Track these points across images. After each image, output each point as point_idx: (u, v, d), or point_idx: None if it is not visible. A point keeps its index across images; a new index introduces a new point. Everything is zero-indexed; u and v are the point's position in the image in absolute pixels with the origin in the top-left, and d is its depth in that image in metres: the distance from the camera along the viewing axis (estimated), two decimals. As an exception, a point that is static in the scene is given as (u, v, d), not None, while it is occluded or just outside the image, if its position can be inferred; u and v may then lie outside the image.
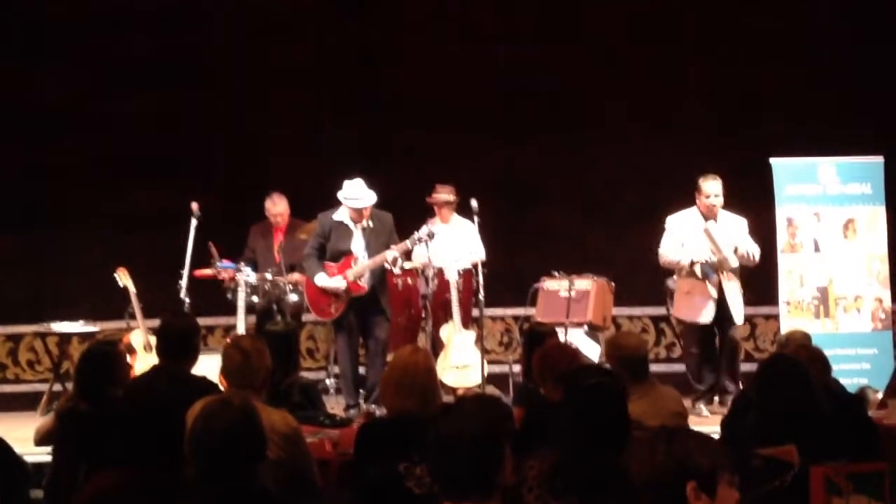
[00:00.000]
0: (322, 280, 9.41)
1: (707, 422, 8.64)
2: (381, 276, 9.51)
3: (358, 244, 9.46)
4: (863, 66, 11.38)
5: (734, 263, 9.30)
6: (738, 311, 9.38)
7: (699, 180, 9.41)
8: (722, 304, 9.34)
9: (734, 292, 9.35)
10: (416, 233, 9.50)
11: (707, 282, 9.36)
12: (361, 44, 11.77)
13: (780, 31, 11.52)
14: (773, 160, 10.06)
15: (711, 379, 9.46)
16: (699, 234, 9.35)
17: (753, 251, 9.33)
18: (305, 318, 10.60)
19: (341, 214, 9.50)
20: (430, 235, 9.52)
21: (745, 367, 10.39)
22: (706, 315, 9.38)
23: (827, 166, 10.13)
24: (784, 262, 10.02)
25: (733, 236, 9.33)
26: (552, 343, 6.80)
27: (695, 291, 9.46)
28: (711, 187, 9.35)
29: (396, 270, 9.54)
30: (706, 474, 2.93)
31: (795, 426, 4.84)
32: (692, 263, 9.39)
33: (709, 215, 9.39)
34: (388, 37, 11.77)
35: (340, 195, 9.43)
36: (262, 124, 11.64)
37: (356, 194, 9.39)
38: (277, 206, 10.51)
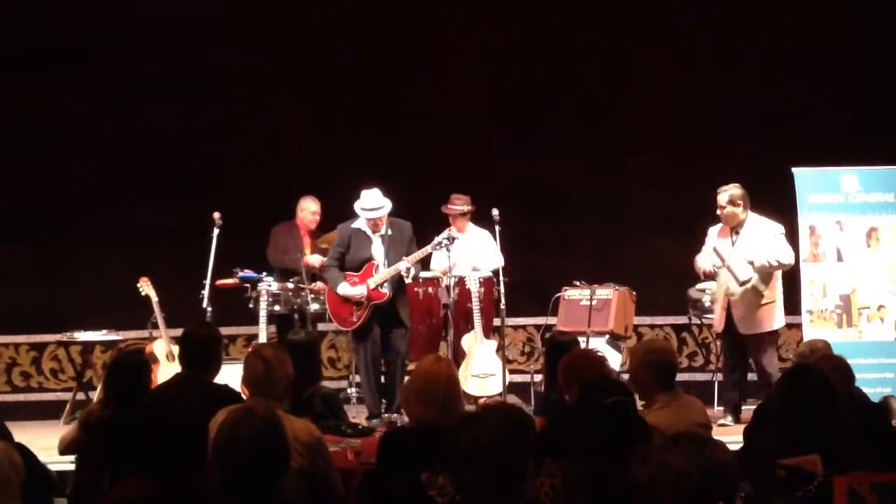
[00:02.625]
0: (344, 289, 9.43)
1: (728, 431, 8.59)
2: (399, 285, 9.51)
3: (378, 252, 9.48)
4: (886, 75, 11.33)
5: (742, 277, 9.24)
6: (744, 323, 9.30)
7: None
8: (730, 316, 9.34)
9: (743, 304, 9.31)
10: (437, 237, 9.51)
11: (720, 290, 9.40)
12: (382, 55, 11.79)
13: (802, 41, 11.48)
14: (795, 169, 10.03)
15: (730, 389, 9.45)
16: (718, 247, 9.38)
17: (773, 258, 9.23)
18: (327, 327, 10.61)
19: (360, 223, 9.52)
20: (451, 240, 9.54)
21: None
22: (718, 325, 9.50)
23: (849, 175, 10.09)
24: (807, 271, 9.98)
25: (757, 248, 9.26)
26: (579, 350, 6.80)
27: (716, 300, 9.51)
28: (718, 199, 9.35)
29: (408, 280, 9.54)
30: (731, 490, 2.91)
31: (818, 436, 4.82)
32: (705, 273, 9.44)
33: (728, 225, 9.38)
34: (409, 48, 11.77)
35: (357, 206, 9.45)
36: (283, 136, 11.66)
37: (372, 204, 9.39)
38: (316, 206, 10.52)
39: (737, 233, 9.37)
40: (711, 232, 9.53)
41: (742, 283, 9.22)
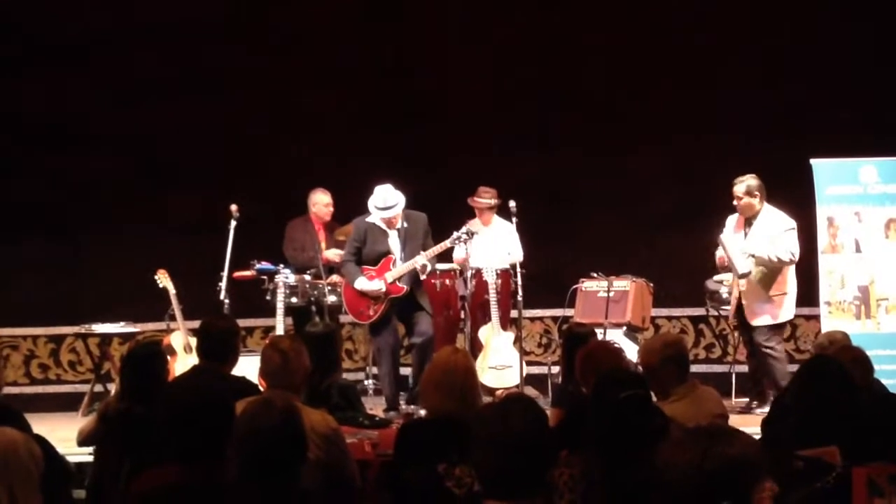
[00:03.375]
0: (362, 284, 9.43)
1: (748, 421, 8.57)
2: (417, 276, 9.51)
3: (394, 245, 9.47)
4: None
5: (741, 270, 9.25)
6: (753, 314, 9.32)
7: None
8: (740, 307, 9.39)
9: (752, 296, 9.31)
10: (455, 232, 9.50)
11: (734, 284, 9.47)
12: (397, 49, 11.78)
13: (821, 31, 11.43)
14: (813, 161, 10.00)
15: (751, 376, 9.52)
16: (727, 239, 9.41)
17: (773, 254, 9.23)
18: (345, 318, 10.62)
19: (375, 217, 9.51)
20: (470, 234, 9.52)
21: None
22: (732, 314, 9.60)
23: (868, 166, 10.05)
24: (825, 262, 9.95)
25: (766, 240, 9.27)
26: (596, 342, 6.79)
27: (731, 290, 9.58)
28: (735, 189, 9.38)
29: (423, 276, 9.52)
30: (742, 487, 2.89)
31: (837, 427, 4.80)
32: (721, 263, 9.50)
33: (743, 216, 9.39)
34: (425, 42, 11.77)
35: (371, 204, 9.44)
36: (302, 130, 11.67)
37: (386, 203, 9.37)
38: (328, 198, 10.54)
39: (750, 224, 9.38)
40: (729, 222, 9.56)
41: (741, 276, 9.25)
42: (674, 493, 2.92)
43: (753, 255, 9.26)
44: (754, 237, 9.35)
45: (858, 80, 11.34)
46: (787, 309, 9.43)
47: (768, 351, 9.33)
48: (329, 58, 11.75)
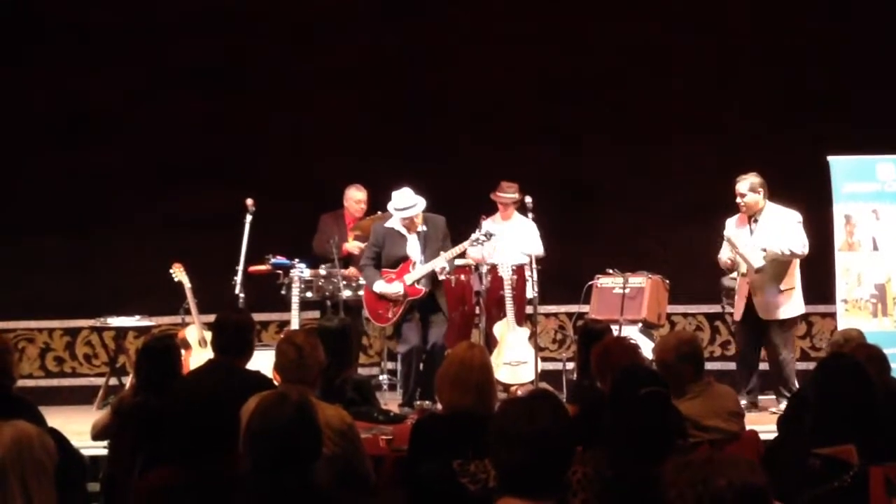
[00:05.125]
0: (381, 287, 9.42)
1: (763, 420, 8.55)
2: (436, 278, 9.49)
3: (413, 249, 9.45)
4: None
5: (756, 264, 9.23)
6: (766, 309, 9.30)
7: None
8: (750, 304, 9.36)
9: (764, 291, 9.28)
10: (474, 233, 9.48)
11: (740, 278, 9.44)
12: (410, 44, 11.76)
13: (836, 27, 11.39)
14: (830, 158, 9.97)
15: (745, 378, 9.46)
16: (734, 236, 9.40)
17: (786, 247, 9.22)
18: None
19: (394, 222, 9.50)
20: (488, 236, 9.51)
21: (802, 365, 10.35)
22: (738, 312, 9.53)
23: (886, 163, 10.01)
24: (841, 260, 9.92)
25: (774, 235, 9.24)
26: (612, 338, 6.76)
27: (738, 290, 9.53)
28: (737, 187, 9.38)
29: (442, 278, 9.51)
30: None
31: (854, 426, 4.78)
32: (727, 266, 9.51)
33: (748, 213, 9.37)
34: (438, 37, 11.75)
35: (390, 206, 9.44)
36: (312, 125, 11.66)
37: (405, 203, 9.37)
38: (362, 194, 10.59)
39: (755, 221, 9.38)
40: (728, 224, 9.55)
41: (757, 271, 9.25)
42: None
43: (765, 249, 9.23)
44: (762, 232, 9.33)
45: (878, 76, 11.28)
46: (797, 303, 9.45)
47: (782, 352, 9.30)
48: (347, 54, 11.73)
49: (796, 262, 9.39)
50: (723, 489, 2.85)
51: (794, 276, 9.39)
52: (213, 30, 11.64)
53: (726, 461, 2.96)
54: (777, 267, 9.31)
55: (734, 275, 9.92)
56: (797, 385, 9.29)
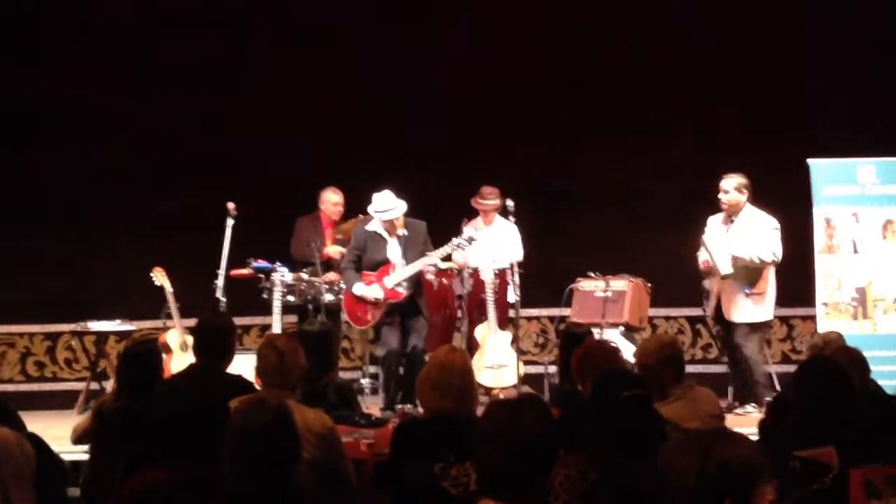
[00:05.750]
0: (360, 289, 9.41)
1: (743, 422, 8.56)
2: (418, 281, 9.49)
3: (394, 253, 9.45)
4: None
5: (723, 271, 9.25)
6: (734, 311, 9.30)
7: None
8: (719, 307, 9.39)
9: (734, 293, 9.29)
10: (455, 238, 9.48)
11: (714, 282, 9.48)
12: (401, 47, 11.76)
13: (820, 31, 11.43)
14: (810, 161, 9.99)
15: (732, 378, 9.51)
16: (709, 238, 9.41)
17: (756, 255, 9.22)
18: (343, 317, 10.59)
19: (375, 225, 9.50)
20: (470, 241, 9.52)
21: (782, 368, 10.38)
22: (709, 312, 9.63)
23: (866, 167, 10.04)
24: (822, 263, 9.94)
25: (750, 239, 9.25)
26: (593, 341, 6.77)
27: (712, 289, 9.56)
28: (723, 184, 9.40)
29: (429, 277, 9.51)
30: (743, 487, 2.88)
31: (834, 428, 4.80)
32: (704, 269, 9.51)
33: (728, 213, 9.38)
34: (429, 39, 11.75)
35: (371, 209, 9.45)
36: (303, 127, 11.64)
37: (385, 206, 9.37)
38: (338, 197, 10.54)
39: (732, 220, 9.37)
40: (711, 221, 9.54)
41: (723, 277, 9.26)
42: (675, 497, 2.91)
43: (735, 256, 9.23)
44: (737, 234, 9.33)
45: (856, 80, 11.33)
46: (766, 309, 9.41)
47: (746, 350, 9.29)
48: (333, 56, 11.72)
49: (771, 269, 9.37)
50: (728, 460, 2.87)
51: (767, 282, 9.36)
52: (207, 30, 11.61)
53: (729, 436, 3.01)
54: (749, 274, 9.29)
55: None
56: (777, 388, 9.31)
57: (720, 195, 9.40)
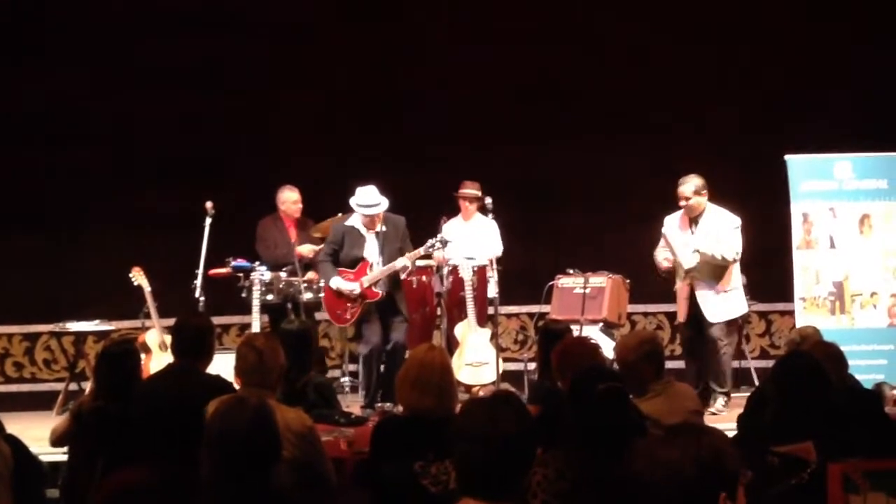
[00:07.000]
0: (338, 283, 9.39)
1: (721, 419, 8.59)
2: (395, 279, 9.48)
3: (371, 250, 9.43)
4: (881, 62, 11.33)
5: (686, 265, 9.23)
6: (711, 310, 9.28)
7: None
8: (693, 304, 9.31)
9: (706, 293, 9.29)
10: (430, 240, 9.48)
11: (680, 282, 9.39)
12: (379, 46, 11.75)
13: (796, 28, 11.48)
14: (788, 157, 10.03)
15: (693, 378, 9.36)
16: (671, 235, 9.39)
17: (719, 253, 9.18)
18: (321, 316, 10.59)
19: (354, 220, 9.49)
20: (444, 243, 9.52)
21: (761, 363, 10.43)
22: (681, 314, 9.46)
23: (843, 162, 10.09)
24: (799, 258, 9.98)
25: (714, 238, 9.23)
26: (572, 338, 6.78)
27: (679, 292, 9.47)
28: (681, 189, 9.29)
29: (403, 276, 9.51)
30: (732, 479, 2.89)
31: (812, 423, 4.82)
32: (663, 269, 9.46)
33: (690, 215, 9.33)
34: (406, 38, 11.74)
35: (353, 202, 9.42)
36: (280, 126, 11.63)
37: (369, 201, 9.36)
38: (296, 195, 10.50)
39: (696, 223, 9.33)
40: (668, 222, 9.47)
41: (687, 270, 9.23)
42: (663, 492, 2.91)
43: (699, 251, 9.21)
44: (701, 234, 9.27)
45: (833, 77, 11.38)
46: (740, 304, 9.41)
47: (723, 347, 9.28)
48: (306, 54, 11.71)
49: (735, 264, 9.38)
50: (719, 449, 2.89)
51: (734, 278, 9.33)
52: (184, 29, 11.57)
53: (708, 429, 3.02)
54: (713, 270, 9.27)
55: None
56: (756, 383, 9.33)
57: (681, 202, 9.29)
